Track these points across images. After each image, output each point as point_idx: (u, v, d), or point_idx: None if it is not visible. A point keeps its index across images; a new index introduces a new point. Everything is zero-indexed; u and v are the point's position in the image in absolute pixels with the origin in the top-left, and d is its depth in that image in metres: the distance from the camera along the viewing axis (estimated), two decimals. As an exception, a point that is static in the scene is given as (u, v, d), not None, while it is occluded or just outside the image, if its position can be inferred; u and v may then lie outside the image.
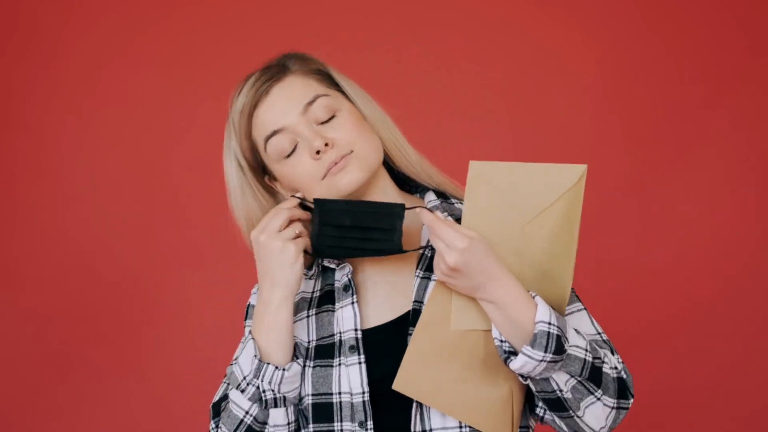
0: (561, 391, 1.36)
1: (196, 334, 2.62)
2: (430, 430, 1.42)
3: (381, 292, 1.50)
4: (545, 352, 1.32)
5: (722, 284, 2.55)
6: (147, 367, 2.63)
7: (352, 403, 1.43)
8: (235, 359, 1.47)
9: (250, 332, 1.47)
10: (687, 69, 2.58)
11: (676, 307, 2.56)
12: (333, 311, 1.49)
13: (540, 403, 1.41)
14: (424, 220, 1.36)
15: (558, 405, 1.37)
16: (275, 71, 1.49)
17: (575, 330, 1.38)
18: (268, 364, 1.43)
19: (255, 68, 1.52)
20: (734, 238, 2.55)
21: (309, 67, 1.51)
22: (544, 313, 1.33)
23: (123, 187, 2.65)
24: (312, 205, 1.45)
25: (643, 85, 2.59)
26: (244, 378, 1.44)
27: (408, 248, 1.45)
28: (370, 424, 1.42)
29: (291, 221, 1.46)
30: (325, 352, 1.47)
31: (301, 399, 1.48)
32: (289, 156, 1.46)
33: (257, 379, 1.43)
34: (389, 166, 1.55)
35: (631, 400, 1.41)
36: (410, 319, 1.43)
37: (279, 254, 1.43)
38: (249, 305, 1.59)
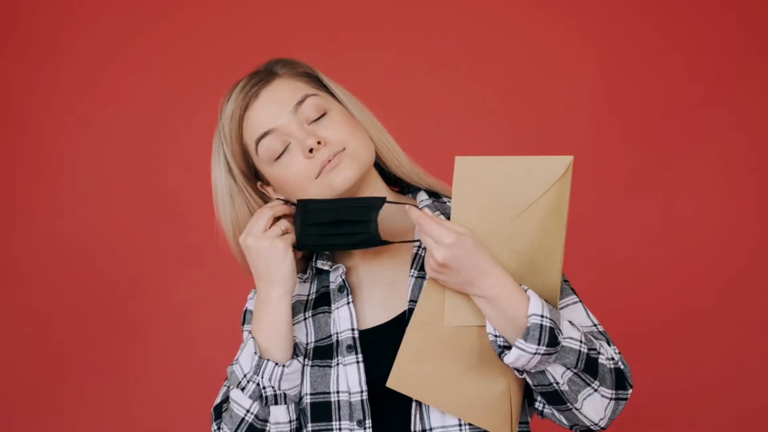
0: (558, 383, 1.36)
1: (196, 334, 2.62)
2: (430, 429, 1.42)
3: (376, 292, 1.50)
4: (538, 344, 1.32)
5: (722, 284, 2.55)
6: (147, 367, 2.63)
7: (350, 402, 1.43)
8: (236, 360, 1.47)
9: (249, 332, 1.47)
10: (687, 69, 2.58)
11: (676, 307, 2.56)
12: (329, 312, 1.50)
13: (538, 398, 1.41)
14: (411, 217, 1.37)
15: (556, 398, 1.38)
16: (263, 76, 1.50)
17: (569, 322, 1.38)
18: (268, 360, 1.43)
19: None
20: (734, 238, 2.55)
21: (296, 70, 1.51)
22: (536, 306, 1.33)
23: (123, 187, 2.65)
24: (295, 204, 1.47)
25: (643, 85, 2.59)
26: (245, 376, 1.44)
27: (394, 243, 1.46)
28: (368, 422, 1.42)
29: (276, 219, 1.47)
30: (324, 352, 1.47)
31: (300, 398, 1.48)
32: (281, 157, 1.47)
33: (257, 375, 1.43)
34: (380, 168, 1.55)
35: (630, 391, 1.41)
36: (406, 319, 1.43)
37: (268, 252, 1.44)
38: (246, 310, 1.59)
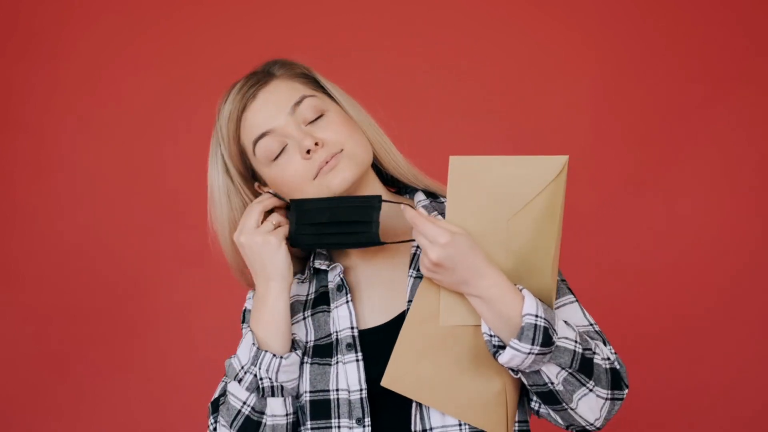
0: (552, 383, 1.36)
1: (196, 334, 2.62)
2: (430, 429, 1.42)
3: (375, 292, 1.50)
4: (532, 344, 1.32)
5: (723, 284, 2.55)
6: (147, 367, 2.63)
7: (349, 400, 1.43)
8: (235, 355, 1.47)
9: (248, 325, 1.48)
10: (687, 69, 2.58)
11: (676, 306, 2.56)
12: (329, 312, 1.50)
13: (534, 397, 1.41)
14: (406, 217, 1.37)
15: (551, 398, 1.38)
16: (261, 77, 1.50)
17: (565, 322, 1.38)
18: (266, 351, 1.43)
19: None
20: (734, 238, 2.55)
21: (294, 71, 1.52)
22: (531, 305, 1.33)
23: (123, 187, 2.65)
24: (285, 198, 1.47)
25: (643, 85, 2.59)
26: (242, 367, 1.44)
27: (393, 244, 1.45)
28: (367, 421, 1.42)
29: (267, 213, 1.48)
30: (324, 351, 1.48)
31: (298, 396, 1.48)
32: (278, 158, 1.47)
33: (255, 366, 1.43)
34: (377, 169, 1.55)
35: (626, 391, 1.41)
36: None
37: (261, 248, 1.44)
38: (246, 310, 1.59)
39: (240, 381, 1.44)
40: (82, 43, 2.67)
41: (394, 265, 1.50)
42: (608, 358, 1.40)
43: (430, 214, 1.50)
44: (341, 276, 1.50)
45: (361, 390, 1.43)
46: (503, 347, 1.36)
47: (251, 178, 1.53)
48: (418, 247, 1.49)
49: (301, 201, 1.46)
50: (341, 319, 1.47)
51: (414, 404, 1.42)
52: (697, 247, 2.56)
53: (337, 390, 1.45)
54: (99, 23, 2.67)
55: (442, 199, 1.55)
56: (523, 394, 1.46)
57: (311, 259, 1.55)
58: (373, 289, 1.50)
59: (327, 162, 1.44)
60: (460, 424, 1.42)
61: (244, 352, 1.45)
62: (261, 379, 1.43)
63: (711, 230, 2.56)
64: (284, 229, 1.47)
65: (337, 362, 1.45)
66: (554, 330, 1.34)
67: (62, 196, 2.65)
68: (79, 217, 2.65)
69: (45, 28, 2.67)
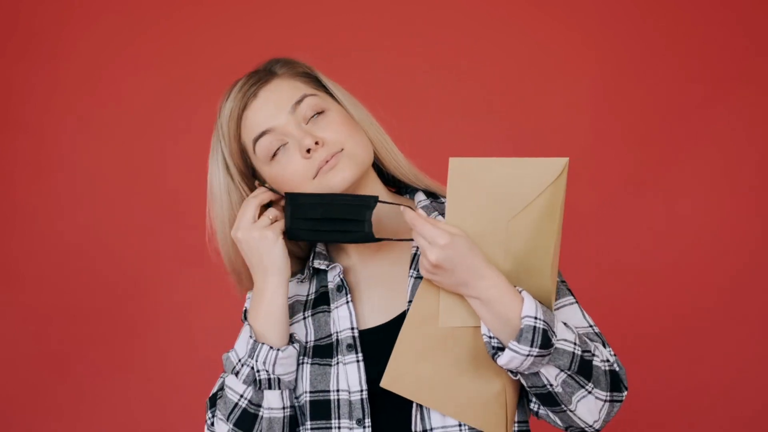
0: (551, 385, 1.36)
1: (196, 334, 2.62)
2: (431, 429, 1.42)
3: (375, 292, 1.50)
4: (531, 346, 1.32)
5: (722, 284, 2.55)
6: (147, 367, 2.63)
7: (350, 401, 1.43)
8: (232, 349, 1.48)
9: (245, 318, 1.48)
10: (687, 69, 2.58)
11: (676, 306, 2.56)
12: (329, 312, 1.50)
13: (533, 399, 1.41)
14: (406, 218, 1.37)
15: (550, 399, 1.38)
16: (262, 75, 1.50)
17: (564, 324, 1.38)
18: (263, 344, 1.43)
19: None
20: (734, 238, 2.55)
21: (295, 70, 1.52)
22: (530, 307, 1.33)
23: (123, 187, 2.65)
24: (279, 192, 1.47)
25: (643, 85, 2.59)
26: (239, 360, 1.44)
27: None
28: (368, 421, 1.42)
29: (264, 207, 1.48)
30: (324, 351, 1.48)
31: (298, 396, 1.48)
32: (278, 157, 1.47)
33: (251, 359, 1.43)
34: (379, 169, 1.55)
35: (625, 393, 1.41)
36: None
37: (258, 243, 1.45)
38: (246, 309, 1.59)
39: (237, 374, 1.44)
40: (82, 43, 2.67)
41: (394, 265, 1.50)
42: (607, 360, 1.40)
43: (430, 215, 1.50)
44: (341, 276, 1.50)
45: (361, 391, 1.43)
46: (502, 349, 1.36)
47: (251, 177, 1.53)
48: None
49: (296, 195, 1.46)
50: (341, 320, 1.47)
51: (414, 404, 1.42)
52: (697, 247, 2.56)
53: (338, 391, 1.44)
54: (99, 23, 2.67)
55: (443, 200, 1.54)
56: (522, 395, 1.46)
57: (311, 258, 1.55)
58: (373, 289, 1.50)
59: (327, 161, 1.44)
60: (460, 425, 1.42)
61: (242, 345, 1.45)
62: (258, 371, 1.43)
63: (711, 230, 2.56)
64: (281, 224, 1.47)
65: (338, 363, 1.45)
66: (553, 332, 1.34)
67: (62, 196, 2.65)
68: (79, 217, 2.65)
69: (45, 28, 2.67)
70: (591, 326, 1.46)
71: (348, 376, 1.44)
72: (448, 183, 1.34)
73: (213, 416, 1.48)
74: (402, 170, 1.54)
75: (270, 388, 1.45)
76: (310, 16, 2.67)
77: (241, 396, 1.45)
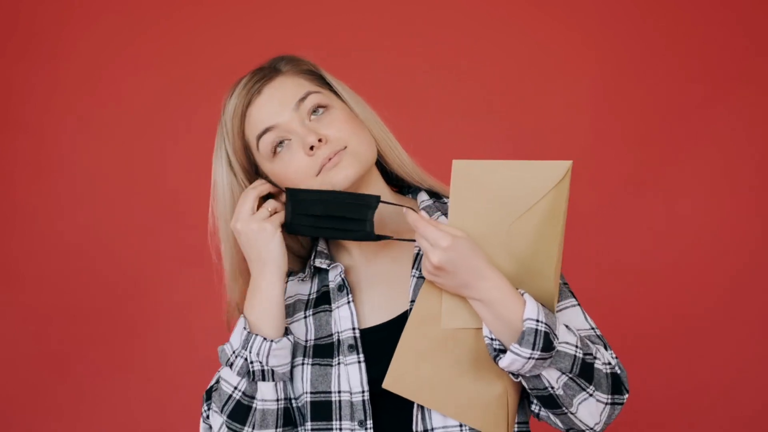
0: (553, 388, 1.36)
1: (196, 334, 2.62)
2: (432, 429, 1.42)
3: (377, 290, 1.50)
4: (533, 349, 1.32)
5: (722, 284, 2.55)
6: (147, 367, 2.63)
7: (351, 402, 1.43)
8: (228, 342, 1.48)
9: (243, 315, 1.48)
10: (687, 69, 2.58)
11: (676, 307, 2.56)
12: (330, 311, 1.50)
13: (534, 401, 1.41)
14: (408, 220, 1.37)
15: (551, 402, 1.38)
16: (266, 72, 1.50)
17: (566, 326, 1.38)
18: (257, 335, 1.44)
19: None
20: (734, 238, 2.55)
21: (300, 67, 1.52)
22: (532, 310, 1.33)
23: (123, 187, 2.65)
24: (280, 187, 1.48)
25: (643, 85, 2.59)
26: (234, 352, 1.45)
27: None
28: (369, 423, 1.42)
29: (262, 199, 1.48)
30: (324, 351, 1.47)
31: (298, 397, 1.48)
32: (282, 153, 1.47)
33: (245, 350, 1.43)
34: (382, 168, 1.55)
35: (626, 396, 1.41)
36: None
37: (257, 235, 1.45)
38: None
39: (231, 366, 1.45)
40: (82, 43, 2.67)
41: (396, 264, 1.50)
42: (609, 363, 1.40)
43: (433, 215, 1.50)
44: (342, 276, 1.50)
45: (363, 392, 1.43)
46: (504, 351, 1.36)
47: (255, 174, 1.53)
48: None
49: (296, 190, 1.46)
50: (342, 320, 1.47)
51: (415, 405, 1.42)
52: (697, 247, 2.56)
53: (339, 392, 1.44)
54: (99, 23, 2.67)
55: (446, 200, 1.54)
56: (523, 396, 1.46)
57: (312, 257, 1.55)
58: (374, 287, 1.50)
59: (330, 159, 1.44)
60: (461, 425, 1.42)
61: (236, 337, 1.45)
62: (251, 362, 1.43)
63: (711, 230, 2.56)
64: (280, 216, 1.47)
65: (339, 363, 1.45)
66: (555, 335, 1.34)
67: (62, 196, 2.65)
68: (79, 217, 2.65)
69: (45, 28, 2.67)
70: (593, 328, 1.46)
71: (349, 377, 1.44)
72: (452, 185, 1.34)
73: (208, 409, 1.49)
74: (406, 169, 1.54)
75: (264, 379, 1.45)
76: (310, 16, 2.67)
77: (235, 388, 1.45)
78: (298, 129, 1.46)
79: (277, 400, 1.46)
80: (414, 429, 1.41)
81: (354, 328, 1.46)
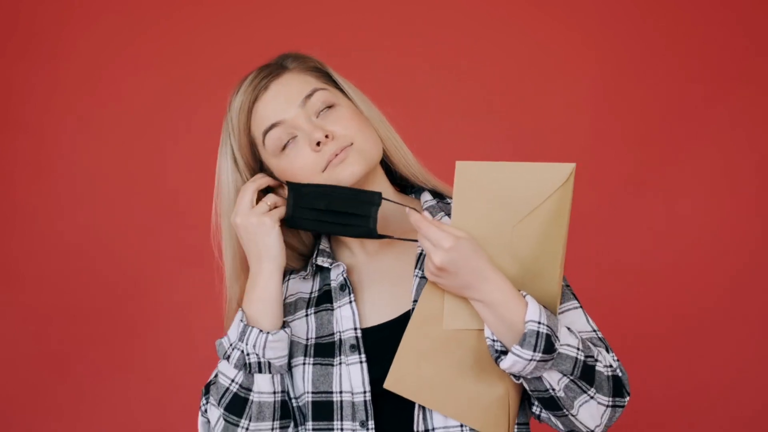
0: (554, 390, 1.36)
1: (196, 334, 2.62)
2: (432, 429, 1.42)
3: (379, 289, 1.50)
4: (534, 351, 1.32)
5: (722, 284, 2.55)
6: (147, 367, 2.63)
7: (353, 402, 1.43)
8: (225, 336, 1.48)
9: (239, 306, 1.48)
10: (687, 68, 2.58)
11: (676, 307, 2.56)
12: (332, 310, 1.50)
13: (535, 402, 1.41)
14: (411, 221, 1.37)
15: (552, 404, 1.38)
16: (273, 69, 1.50)
17: (568, 328, 1.38)
18: (253, 327, 1.44)
19: (254, 68, 1.52)
20: (734, 238, 2.55)
21: (307, 64, 1.52)
22: (534, 312, 1.33)
23: (123, 187, 2.65)
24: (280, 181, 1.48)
25: (643, 85, 2.59)
26: (231, 344, 1.45)
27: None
28: (371, 423, 1.42)
29: (262, 193, 1.48)
30: (326, 350, 1.47)
31: (299, 396, 1.48)
32: (287, 150, 1.47)
33: (242, 342, 1.44)
34: (386, 167, 1.55)
35: (627, 398, 1.41)
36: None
37: (256, 229, 1.45)
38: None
39: (228, 358, 1.45)
40: (82, 43, 2.67)
41: (398, 264, 1.50)
42: (610, 366, 1.40)
43: (437, 215, 1.50)
44: (344, 276, 1.50)
45: (364, 392, 1.43)
46: (505, 353, 1.36)
47: (259, 170, 1.53)
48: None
49: (299, 185, 1.46)
50: (344, 320, 1.47)
51: (416, 405, 1.42)
52: (697, 247, 2.56)
53: (341, 392, 1.44)
54: (99, 23, 2.67)
55: (449, 200, 1.54)
56: (524, 398, 1.46)
57: (314, 256, 1.54)
58: (376, 286, 1.50)
59: (336, 155, 1.44)
60: (461, 426, 1.42)
61: (233, 330, 1.46)
62: (248, 354, 1.44)
63: (711, 230, 2.56)
64: (279, 211, 1.47)
65: (340, 363, 1.45)
66: (557, 337, 1.34)
67: (62, 196, 2.65)
68: (79, 217, 2.65)
69: (45, 28, 2.67)
70: (594, 331, 1.46)
71: (351, 377, 1.44)
72: (455, 186, 1.34)
73: (206, 402, 1.49)
74: (411, 169, 1.54)
75: (260, 371, 1.45)
76: (310, 16, 2.67)
77: (232, 380, 1.45)
78: (305, 125, 1.46)
79: (274, 392, 1.46)
80: (415, 429, 1.41)
81: (356, 328, 1.46)
